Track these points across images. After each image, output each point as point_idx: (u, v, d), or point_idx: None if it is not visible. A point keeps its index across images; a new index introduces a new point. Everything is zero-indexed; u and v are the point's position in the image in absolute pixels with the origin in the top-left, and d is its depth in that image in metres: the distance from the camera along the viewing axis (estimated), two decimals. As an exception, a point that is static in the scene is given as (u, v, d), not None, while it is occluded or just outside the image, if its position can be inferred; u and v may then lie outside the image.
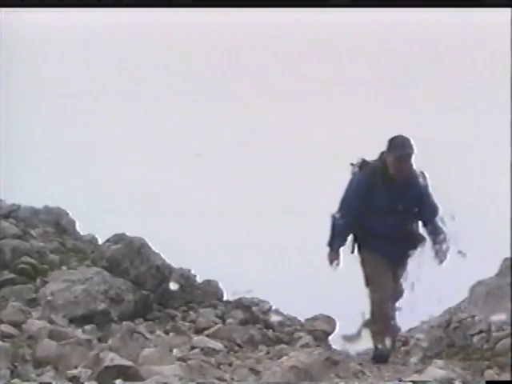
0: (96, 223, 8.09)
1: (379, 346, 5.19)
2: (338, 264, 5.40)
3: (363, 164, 5.41)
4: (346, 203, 5.35)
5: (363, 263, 5.42)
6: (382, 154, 5.28)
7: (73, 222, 7.69)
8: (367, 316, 5.36)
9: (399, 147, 5.13)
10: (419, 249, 5.43)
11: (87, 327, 4.87)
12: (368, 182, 5.28)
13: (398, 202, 5.24)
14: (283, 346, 5.65)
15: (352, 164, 5.46)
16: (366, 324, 5.39)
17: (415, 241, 5.42)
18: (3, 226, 6.30)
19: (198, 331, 5.67)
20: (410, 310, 5.43)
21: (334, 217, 5.36)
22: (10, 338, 4.14)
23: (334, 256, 5.38)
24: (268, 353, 5.32)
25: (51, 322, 4.76)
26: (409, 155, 5.16)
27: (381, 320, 5.21)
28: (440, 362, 4.44)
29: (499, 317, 5.44)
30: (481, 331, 5.42)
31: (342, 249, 5.43)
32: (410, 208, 5.32)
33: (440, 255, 5.27)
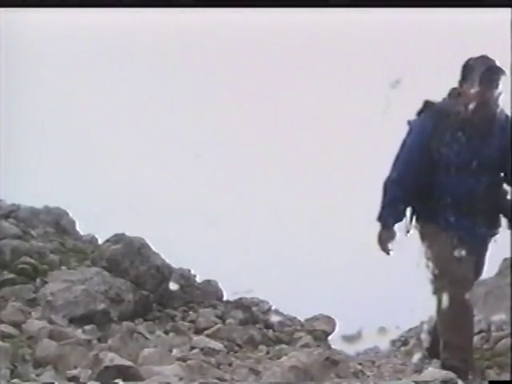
0: (96, 223, 8.11)
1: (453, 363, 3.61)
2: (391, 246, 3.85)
3: (427, 105, 3.93)
4: (404, 156, 3.86)
5: (423, 237, 3.89)
6: (453, 89, 3.89)
7: (73, 222, 7.71)
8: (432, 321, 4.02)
9: (485, 62, 3.67)
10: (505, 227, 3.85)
11: (87, 327, 4.87)
12: (435, 125, 3.81)
13: (476, 152, 3.75)
14: (283, 346, 5.67)
15: None
16: (430, 332, 4.06)
17: (499, 214, 3.85)
18: (3, 226, 6.31)
19: (198, 331, 5.68)
20: (410, 310, 5.39)
21: (386, 180, 3.88)
22: (9, 338, 4.14)
23: (386, 235, 3.84)
24: (268, 353, 5.34)
25: (51, 322, 4.76)
26: (498, 70, 3.65)
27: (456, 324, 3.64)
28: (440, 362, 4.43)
29: (499, 317, 5.43)
30: (481, 331, 5.41)
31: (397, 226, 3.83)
32: (493, 163, 3.78)
33: None
